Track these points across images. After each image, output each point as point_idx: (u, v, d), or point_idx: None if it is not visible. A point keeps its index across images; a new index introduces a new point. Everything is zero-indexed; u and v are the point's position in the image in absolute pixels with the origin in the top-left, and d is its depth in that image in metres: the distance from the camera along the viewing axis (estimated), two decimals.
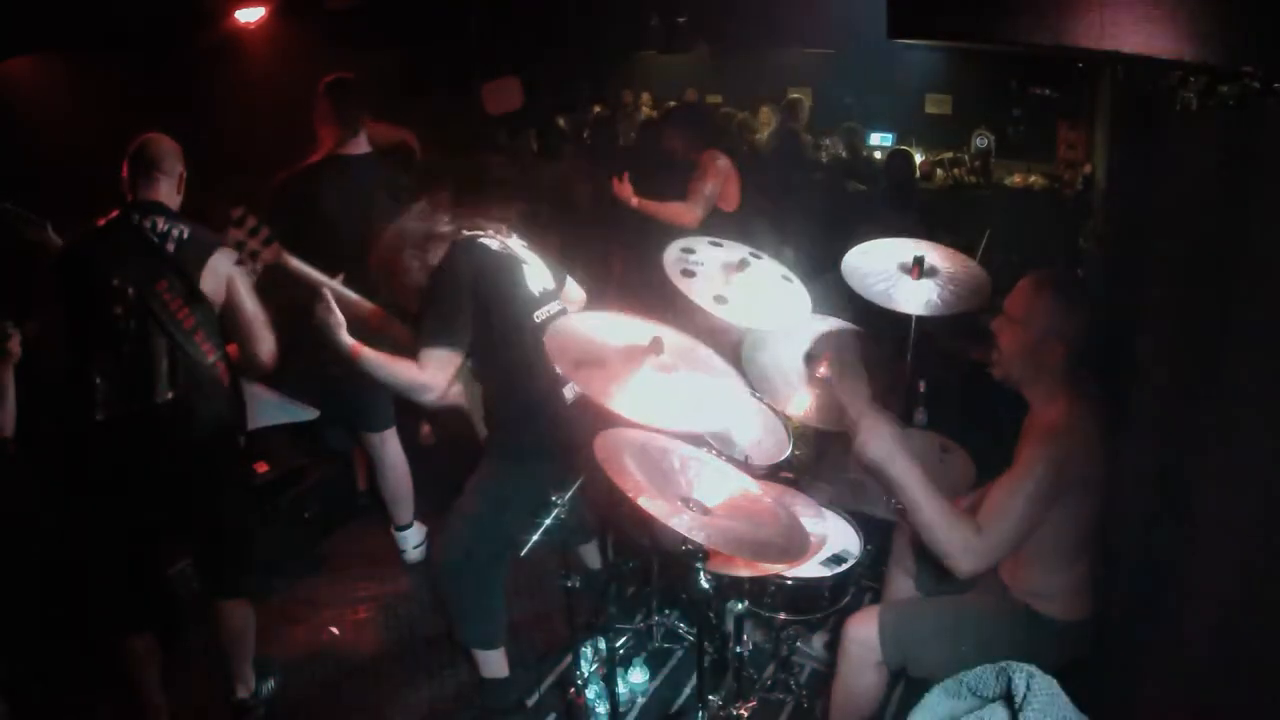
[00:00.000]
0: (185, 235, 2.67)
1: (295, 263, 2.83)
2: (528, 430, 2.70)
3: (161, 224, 2.66)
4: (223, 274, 2.71)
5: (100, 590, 2.82)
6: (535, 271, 2.78)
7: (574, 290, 3.05)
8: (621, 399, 2.07)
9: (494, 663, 2.97)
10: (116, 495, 2.66)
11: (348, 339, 2.50)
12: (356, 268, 2.87)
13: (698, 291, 2.76)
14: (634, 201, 4.20)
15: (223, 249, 2.70)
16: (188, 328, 2.66)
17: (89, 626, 2.99)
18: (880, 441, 2.15)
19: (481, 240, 2.70)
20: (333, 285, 2.79)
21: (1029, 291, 2.26)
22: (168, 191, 2.74)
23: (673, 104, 8.07)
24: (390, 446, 3.74)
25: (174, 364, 2.64)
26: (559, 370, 2.45)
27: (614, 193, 4.23)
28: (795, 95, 7.57)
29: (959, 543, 2.11)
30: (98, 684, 3.00)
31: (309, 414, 3.54)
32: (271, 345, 2.81)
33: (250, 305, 2.77)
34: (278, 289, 2.93)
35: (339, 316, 2.50)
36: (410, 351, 2.55)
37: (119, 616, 2.80)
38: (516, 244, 2.80)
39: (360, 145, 3.47)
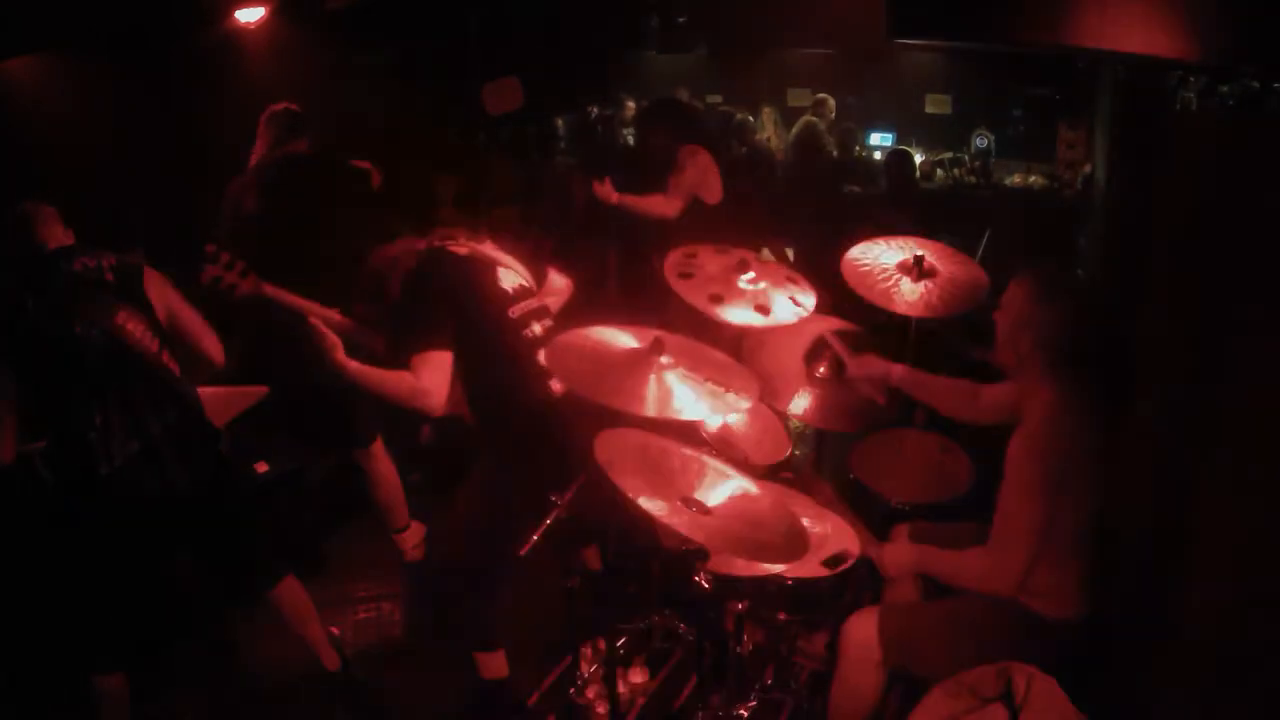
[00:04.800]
0: (115, 262, 2.64)
1: (273, 290, 2.88)
2: (517, 427, 2.71)
3: (89, 261, 2.61)
4: (160, 286, 2.72)
5: (91, 630, 2.72)
6: (507, 271, 2.80)
7: (556, 280, 3.10)
8: (632, 399, 2.10)
9: (494, 664, 2.97)
10: (128, 535, 2.64)
11: (346, 360, 2.51)
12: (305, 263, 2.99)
13: (694, 292, 2.79)
14: (614, 198, 4.25)
15: (146, 265, 2.71)
16: (155, 350, 2.64)
17: (74, 665, 2.82)
18: (898, 557, 2.49)
19: (449, 249, 2.72)
20: (314, 309, 2.83)
21: (1013, 283, 2.40)
22: (67, 232, 2.71)
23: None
24: (378, 459, 3.75)
25: (158, 392, 2.63)
26: (565, 385, 2.49)
27: (594, 193, 4.27)
28: (822, 95, 7.58)
29: (988, 575, 2.28)
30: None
31: (258, 392, 3.55)
32: (218, 341, 2.85)
33: (190, 308, 2.80)
34: (253, 311, 2.98)
35: (333, 339, 2.51)
36: (391, 363, 2.57)
37: (104, 656, 2.72)
38: (489, 247, 2.82)
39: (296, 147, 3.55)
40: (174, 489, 2.64)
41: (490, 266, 2.76)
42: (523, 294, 2.78)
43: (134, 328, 2.58)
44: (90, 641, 2.70)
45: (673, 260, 3.01)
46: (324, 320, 2.71)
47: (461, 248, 2.74)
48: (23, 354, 2.49)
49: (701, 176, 4.35)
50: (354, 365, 2.52)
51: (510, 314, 2.69)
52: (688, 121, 4.57)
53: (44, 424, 2.57)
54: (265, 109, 3.59)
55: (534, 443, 2.68)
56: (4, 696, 2.94)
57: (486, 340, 2.63)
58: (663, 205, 4.27)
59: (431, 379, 2.51)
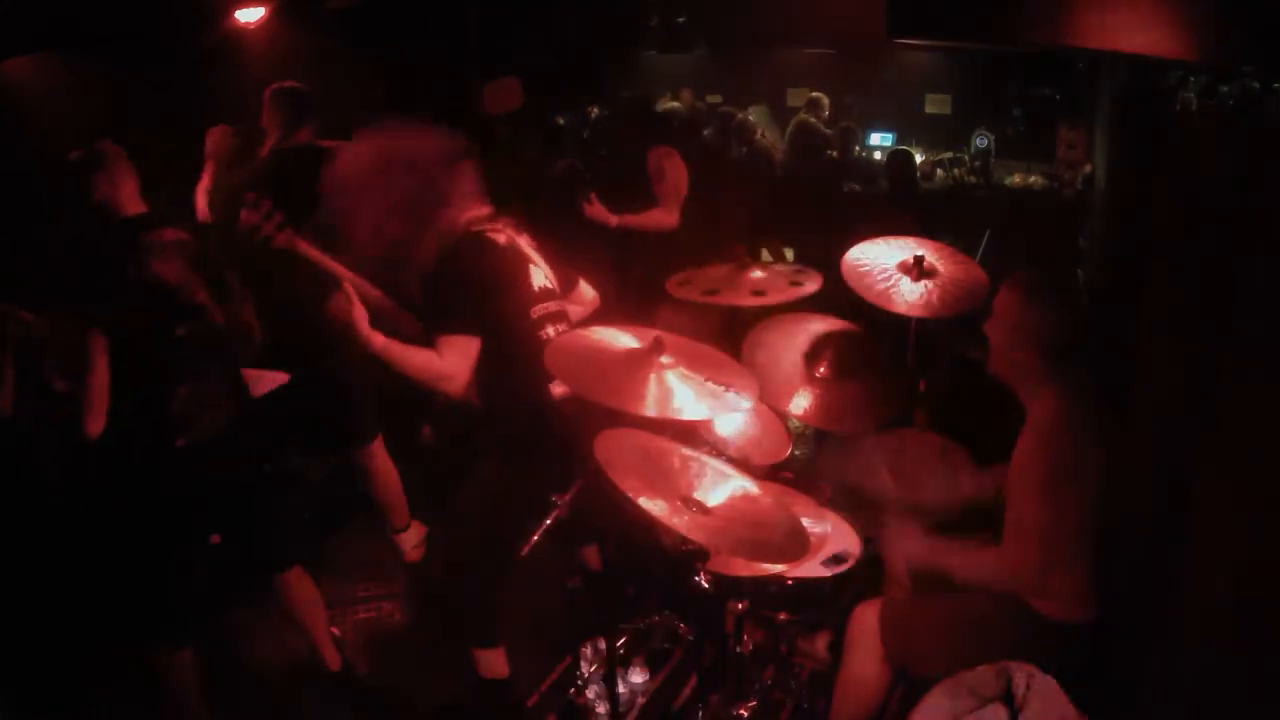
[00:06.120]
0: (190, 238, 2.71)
1: (307, 249, 2.79)
2: (523, 425, 2.71)
3: (177, 234, 2.72)
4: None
5: (148, 606, 2.80)
6: (537, 269, 2.79)
7: (587, 291, 3.07)
8: (632, 399, 2.10)
9: (494, 662, 2.97)
10: (189, 507, 2.74)
11: (372, 332, 2.44)
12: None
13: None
14: (613, 221, 4.28)
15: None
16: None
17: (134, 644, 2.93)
18: (909, 547, 2.45)
19: (488, 235, 2.70)
20: (349, 275, 2.75)
21: (1005, 290, 2.36)
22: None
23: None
24: (378, 458, 3.74)
25: (234, 373, 2.83)
26: (565, 387, 2.48)
27: (588, 215, 4.26)
28: (816, 94, 7.59)
29: (1008, 574, 2.25)
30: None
31: (280, 378, 3.56)
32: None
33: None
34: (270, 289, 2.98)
35: (361, 309, 2.44)
36: (420, 341, 2.52)
37: (168, 631, 2.82)
38: (525, 241, 2.81)
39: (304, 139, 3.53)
40: (236, 466, 2.75)
41: (523, 260, 2.74)
42: (546, 295, 2.76)
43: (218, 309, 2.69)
44: (164, 615, 2.80)
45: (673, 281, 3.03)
46: (359, 291, 2.58)
47: (500, 235, 2.72)
48: (120, 317, 2.54)
49: (679, 178, 4.38)
50: (380, 338, 2.45)
51: (531, 313, 2.67)
52: (651, 121, 4.62)
53: (127, 388, 2.57)
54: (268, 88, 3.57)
55: (537, 442, 2.67)
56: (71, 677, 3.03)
57: (504, 334, 2.61)
58: (664, 217, 4.34)
59: (456, 363, 2.48)
